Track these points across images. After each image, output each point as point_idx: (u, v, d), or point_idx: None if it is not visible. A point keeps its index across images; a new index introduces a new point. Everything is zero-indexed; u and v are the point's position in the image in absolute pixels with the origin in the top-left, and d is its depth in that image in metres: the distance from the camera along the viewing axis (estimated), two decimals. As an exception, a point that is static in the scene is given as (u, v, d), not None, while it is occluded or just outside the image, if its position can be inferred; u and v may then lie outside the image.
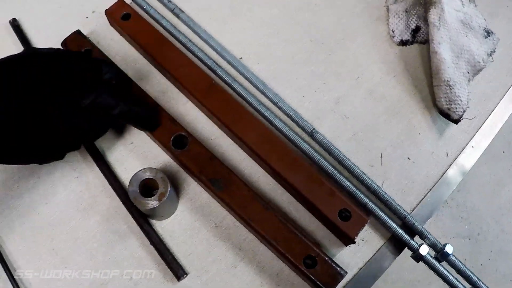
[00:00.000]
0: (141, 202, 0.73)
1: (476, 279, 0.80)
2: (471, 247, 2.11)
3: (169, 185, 0.74)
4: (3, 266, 0.75)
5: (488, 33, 0.99)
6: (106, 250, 0.78)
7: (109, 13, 0.94)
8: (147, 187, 0.76)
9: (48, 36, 0.96)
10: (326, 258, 0.73)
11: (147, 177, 0.74)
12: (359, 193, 0.80)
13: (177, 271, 0.75)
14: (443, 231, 2.13)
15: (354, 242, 0.76)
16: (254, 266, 0.78)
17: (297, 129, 0.88)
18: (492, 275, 2.01)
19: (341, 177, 0.81)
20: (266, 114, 0.86)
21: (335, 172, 0.82)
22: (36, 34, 0.97)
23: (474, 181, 2.23)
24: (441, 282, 0.80)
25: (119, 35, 0.97)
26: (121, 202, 0.80)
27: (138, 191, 0.73)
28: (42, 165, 0.81)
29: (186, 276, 0.76)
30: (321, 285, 0.71)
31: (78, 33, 0.92)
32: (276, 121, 0.85)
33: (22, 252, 0.77)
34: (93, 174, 0.83)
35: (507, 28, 1.02)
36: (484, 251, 2.10)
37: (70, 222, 0.80)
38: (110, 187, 0.82)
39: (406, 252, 0.81)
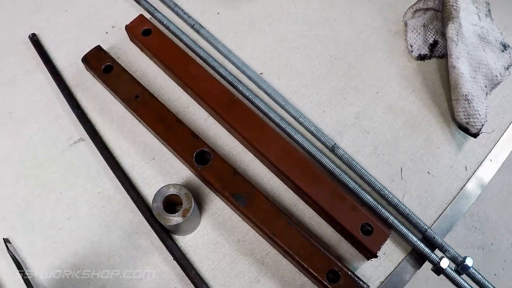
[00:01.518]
0: (165, 218, 0.73)
1: (497, 291, 0.81)
2: (484, 257, 2.09)
3: (193, 201, 0.75)
4: (26, 284, 0.75)
5: (505, 46, 1.00)
6: (128, 265, 0.78)
7: (129, 28, 0.95)
8: (171, 203, 0.76)
9: (67, 51, 0.98)
10: (349, 273, 0.73)
11: (171, 193, 0.75)
12: (380, 208, 0.81)
13: (201, 286, 0.75)
14: (457, 241, 2.12)
15: (376, 256, 0.76)
16: (277, 281, 0.78)
17: (318, 144, 0.89)
18: (506, 284, 1.99)
19: (363, 192, 0.82)
20: (287, 129, 0.87)
21: (357, 186, 0.82)
22: (55, 49, 0.98)
23: (487, 191, 2.21)
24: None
25: (139, 50, 0.98)
26: (143, 218, 0.81)
27: (162, 207, 0.74)
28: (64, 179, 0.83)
29: None
30: (345, 300, 0.72)
31: (98, 48, 0.93)
32: (297, 136, 0.86)
33: (44, 268, 0.78)
34: (115, 190, 0.84)
35: (523, 41, 1.03)
36: (498, 261, 2.08)
37: (93, 237, 0.80)
38: (132, 202, 0.82)
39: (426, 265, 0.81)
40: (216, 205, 0.83)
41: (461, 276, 0.79)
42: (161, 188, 0.75)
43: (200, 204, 0.83)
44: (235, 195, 0.78)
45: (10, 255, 0.77)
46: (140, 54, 0.98)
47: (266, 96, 0.93)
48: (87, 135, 0.88)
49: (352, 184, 0.82)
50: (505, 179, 2.26)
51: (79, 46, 0.96)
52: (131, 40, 0.98)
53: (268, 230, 0.76)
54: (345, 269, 0.74)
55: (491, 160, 0.91)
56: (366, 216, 0.78)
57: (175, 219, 0.73)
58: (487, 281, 0.80)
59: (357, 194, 0.82)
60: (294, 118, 0.90)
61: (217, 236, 0.81)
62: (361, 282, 0.73)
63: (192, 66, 0.91)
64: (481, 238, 2.14)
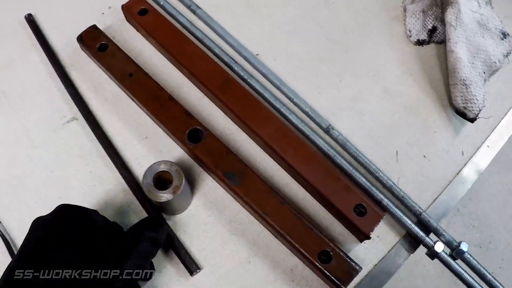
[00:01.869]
0: (155, 195, 0.72)
1: (491, 277, 0.80)
2: (482, 256, 2.09)
3: (183, 178, 0.73)
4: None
5: (505, 34, 0.99)
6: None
7: (125, 8, 0.95)
8: (162, 180, 0.75)
9: (63, 31, 0.97)
10: (341, 254, 0.72)
11: (162, 169, 0.74)
12: (374, 190, 0.80)
13: (190, 266, 0.74)
14: (455, 239, 2.12)
15: (369, 238, 0.75)
16: (268, 261, 0.77)
17: (313, 125, 0.88)
18: (504, 283, 1.98)
19: (357, 173, 0.81)
20: (282, 109, 0.86)
21: (351, 168, 0.81)
22: (52, 30, 0.97)
23: (486, 190, 2.22)
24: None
25: (135, 30, 0.97)
26: (134, 197, 0.80)
27: (152, 183, 0.73)
28: (56, 158, 0.83)
29: (199, 271, 0.75)
30: (336, 280, 0.71)
31: (94, 27, 0.92)
32: (292, 117, 0.85)
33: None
34: (106, 169, 0.83)
35: (524, 31, 1.02)
36: (495, 260, 2.08)
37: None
38: (123, 182, 0.82)
39: (418, 254, 0.80)
40: (208, 185, 0.82)
41: (455, 261, 0.78)
42: (152, 164, 0.74)
43: (192, 184, 0.82)
44: (227, 173, 0.77)
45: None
46: (136, 34, 0.97)
47: (262, 77, 0.93)
48: (80, 114, 0.87)
49: (346, 166, 0.81)
50: (505, 178, 2.26)
51: (75, 26, 0.95)
52: (127, 20, 0.98)
53: (260, 209, 0.75)
54: (338, 250, 0.73)
55: (488, 146, 0.90)
56: (360, 197, 0.77)
57: (165, 195, 0.72)
58: (482, 267, 0.80)
59: (351, 175, 0.81)
60: (289, 98, 0.89)
61: (209, 216, 0.80)
62: (353, 264, 0.72)
63: (188, 45, 0.91)
64: (479, 236, 2.14)
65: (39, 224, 0.66)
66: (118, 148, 0.85)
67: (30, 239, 0.64)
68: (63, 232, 0.64)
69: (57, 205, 0.68)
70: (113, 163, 0.83)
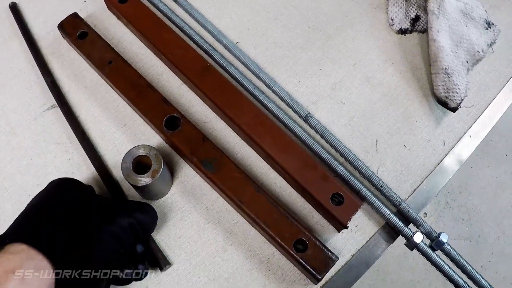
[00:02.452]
0: (133, 179, 0.72)
1: (471, 269, 0.79)
2: (471, 249, 2.09)
3: (162, 162, 0.73)
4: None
5: (489, 24, 0.98)
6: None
7: (106, -5, 0.94)
8: (141, 165, 0.75)
9: (46, 20, 0.97)
10: (317, 243, 0.72)
11: (141, 154, 0.74)
12: (352, 179, 0.79)
13: (161, 262, 0.75)
14: (444, 232, 2.12)
15: (346, 227, 0.75)
16: (245, 250, 0.77)
17: (292, 113, 0.87)
18: (492, 277, 1.99)
19: (335, 162, 0.80)
20: (260, 97, 0.85)
21: (329, 156, 0.81)
22: (34, 18, 0.98)
23: (476, 183, 2.22)
24: (441, 282, 0.78)
25: (116, 18, 0.97)
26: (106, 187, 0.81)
27: (131, 167, 0.72)
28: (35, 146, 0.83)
29: (168, 267, 0.75)
30: (312, 270, 0.70)
31: (75, 15, 0.92)
32: (270, 105, 0.85)
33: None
34: (84, 157, 0.83)
35: (509, 20, 1.01)
36: (485, 253, 2.08)
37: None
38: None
39: (408, 252, 0.80)
40: (186, 173, 0.82)
41: (435, 252, 0.78)
42: (131, 149, 0.74)
43: (170, 171, 0.82)
44: (203, 161, 0.77)
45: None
46: (117, 22, 0.97)
47: (241, 65, 0.92)
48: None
49: (324, 154, 0.81)
50: (495, 172, 2.26)
51: (57, 14, 0.95)
52: (109, 8, 0.97)
53: (236, 197, 0.74)
54: (314, 240, 0.72)
55: (470, 136, 0.89)
56: (338, 186, 0.76)
57: (144, 179, 0.72)
58: (462, 258, 0.79)
59: (329, 164, 0.80)
60: (268, 86, 0.89)
61: (186, 204, 0.80)
62: (329, 253, 0.72)
63: (167, 33, 0.90)
64: (468, 230, 2.14)
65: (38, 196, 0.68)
66: (96, 135, 0.85)
67: (25, 211, 0.65)
68: (58, 205, 0.65)
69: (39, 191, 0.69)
70: (86, 153, 0.83)
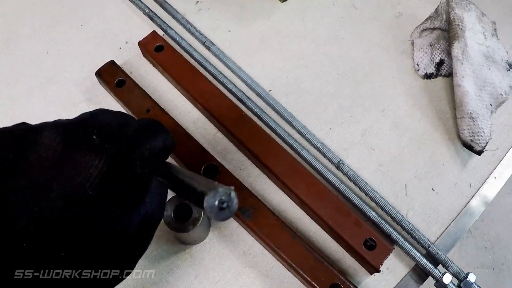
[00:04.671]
0: (175, 227, 0.74)
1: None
2: (495, 277, 2.08)
3: (202, 210, 0.74)
4: None
5: (510, 65, 1.01)
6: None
7: (142, 44, 0.98)
8: (181, 212, 0.77)
9: (82, 65, 1.00)
10: (351, 286, 0.74)
11: (181, 201, 0.76)
12: (384, 223, 0.82)
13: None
14: (467, 261, 2.11)
15: (379, 271, 0.77)
16: (281, 294, 0.79)
17: (324, 160, 0.90)
18: (516, 305, 1.99)
19: (367, 208, 0.83)
20: (294, 145, 0.89)
21: (361, 202, 0.83)
22: (71, 63, 1.01)
23: (498, 210, 2.21)
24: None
25: (151, 66, 1.00)
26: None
27: (172, 215, 0.75)
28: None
29: None
30: (347, 313, 0.73)
31: (112, 63, 0.96)
32: (303, 152, 0.88)
33: None
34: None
35: (530, 61, 1.04)
36: (509, 282, 2.07)
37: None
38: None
39: (429, 281, 0.82)
40: (223, 218, 0.84)
41: (464, 292, 0.80)
42: (172, 197, 0.76)
43: (208, 218, 0.84)
44: (241, 208, 0.80)
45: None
46: (152, 69, 1.00)
47: (274, 112, 0.95)
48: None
49: (356, 200, 0.84)
50: (516, 199, 2.26)
51: (93, 60, 0.98)
52: (144, 55, 1.01)
53: (273, 243, 0.77)
54: (348, 283, 0.75)
55: (495, 178, 0.91)
56: (370, 231, 0.79)
57: (185, 228, 0.74)
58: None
59: (361, 209, 0.83)
60: (301, 134, 0.92)
61: (223, 249, 0.82)
62: (363, 296, 0.74)
63: (203, 82, 0.94)
64: (491, 258, 2.13)
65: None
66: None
67: None
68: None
69: None
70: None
